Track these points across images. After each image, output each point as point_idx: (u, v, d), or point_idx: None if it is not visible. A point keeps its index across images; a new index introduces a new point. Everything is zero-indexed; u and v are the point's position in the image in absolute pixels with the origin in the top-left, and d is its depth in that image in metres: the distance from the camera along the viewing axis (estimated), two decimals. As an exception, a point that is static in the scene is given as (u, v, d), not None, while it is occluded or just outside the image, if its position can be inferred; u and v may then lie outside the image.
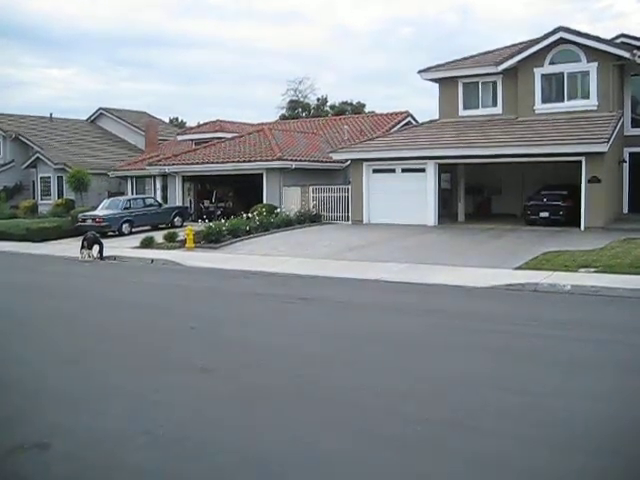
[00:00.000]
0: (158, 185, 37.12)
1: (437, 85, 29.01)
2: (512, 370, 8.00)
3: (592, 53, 24.59)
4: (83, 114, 54.85)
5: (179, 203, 33.74)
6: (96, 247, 21.88)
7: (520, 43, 27.45)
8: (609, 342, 9.29)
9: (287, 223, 26.22)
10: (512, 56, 26.15)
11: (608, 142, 21.44)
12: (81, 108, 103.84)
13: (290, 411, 6.77)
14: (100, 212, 28.40)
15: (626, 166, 26.60)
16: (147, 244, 23.50)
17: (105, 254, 21.96)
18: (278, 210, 27.49)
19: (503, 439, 5.88)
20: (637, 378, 7.69)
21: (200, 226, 24.02)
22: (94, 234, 23.02)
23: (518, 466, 5.36)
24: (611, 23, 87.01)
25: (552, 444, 5.69)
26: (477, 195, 29.91)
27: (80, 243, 22.33)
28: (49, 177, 41.92)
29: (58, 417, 6.74)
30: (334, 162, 30.99)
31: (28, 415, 6.81)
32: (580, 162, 22.13)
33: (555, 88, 25.80)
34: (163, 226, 29.18)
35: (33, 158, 42.17)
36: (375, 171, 26.91)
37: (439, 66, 28.81)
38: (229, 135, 36.94)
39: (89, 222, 27.77)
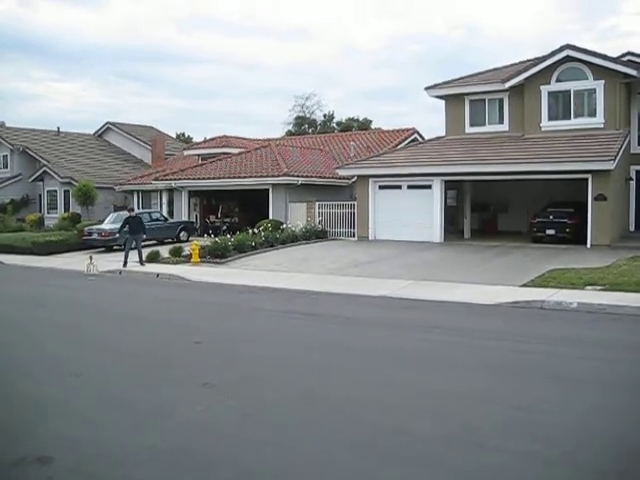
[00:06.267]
0: (164, 200, 37.21)
1: (444, 102, 29.07)
2: (515, 387, 7.93)
3: (599, 71, 24.60)
4: (90, 128, 55.33)
5: (185, 218, 33.79)
6: (141, 237, 23.32)
7: (527, 61, 27.51)
8: (614, 360, 9.22)
9: (293, 239, 26.19)
10: (519, 73, 26.19)
11: (615, 160, 21.39)
12: (89, 122, 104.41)
13: (292, 426, 6.73)
14: (106, 226, 28.43)
15: (633, 184, 26.58)
16: (153, 258, 23.48)
17: (110, 268, 21.99)
18: (284, 226, 27.49)
19: (503, 455, 5.84)
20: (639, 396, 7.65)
21: (206, 241, 24.01)
22: (140, 217, 24.23)
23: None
24: (617, 42, 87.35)
25: (549, 460, 5.67)
26: (483, 212, 29.89)
27: (89, 258, 22.46)
28: (56, 190, 42.12)
29: (61, 430, 6.70)
30: (340, 178, 31.04)
31: (31, 428, 6.78)
32: (586, 180, 22.10)
33: (562, 106, 25.81)
34: (169, 241, 29.20)
35: (40, 171, 42.37)
36: (381, 187, 26.93)
37: (446, 83, 28.88)
38: (235, 150, 37.04)
39: (95, 236, 27.84)
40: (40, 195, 43.74)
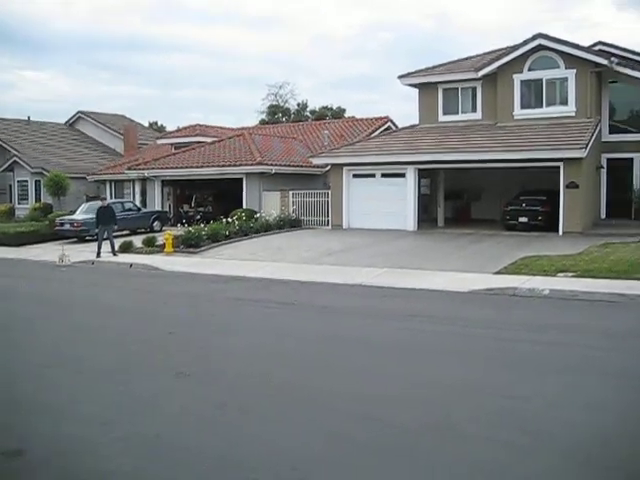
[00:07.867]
0: (137, 189, 36.87)
1: (417, 90, 29.08)
2: (490, 374, 7.99)
3: (570, 60, 24.77)
4: (61, 117, 54.57)
5: (158, 207, 33.51)
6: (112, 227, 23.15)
7: (500, 49, 27.60)
8: (585, 346, 9.31)
9: (266, 228, 26.12)
10: (492, 62, 26.29)
11: (586, 148, 21.57)
12: (59, 111, 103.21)
13: (267, 415, 6.70)
14: (78, 216, 28.09)
15: (604, 172, 26.79)
16: (126, 248, 23.26)
17: (83, 258, 21.78)
18: (258, 215, 27.41)
19: (488, 446, 5.85)
20: (610, 381, 7.69)
21: (179, 231, 23.87)
22: (112, 208, 24.19)
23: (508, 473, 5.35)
24: (589, 32, 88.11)
25: (536, 450, 5.70)
26: (457, 200, 29.98)
27: (60, 248, 22.17)
28: (26, 181, 41.48)
29: (32, 423, 6.61)
30: (314, 167, 30.95)
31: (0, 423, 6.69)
32: (558, 167, 22.26)
33: (534, 94, 25.95)
34: (142, 230, 28.93)
35: (10, 162, 41.66)
36: (355, 176, 26.92)
37: (419, 71, 28.88)
38: (209, 139, 36.77)
39: (67, 226, 27.50)
40: (10, 185, 43.05)
